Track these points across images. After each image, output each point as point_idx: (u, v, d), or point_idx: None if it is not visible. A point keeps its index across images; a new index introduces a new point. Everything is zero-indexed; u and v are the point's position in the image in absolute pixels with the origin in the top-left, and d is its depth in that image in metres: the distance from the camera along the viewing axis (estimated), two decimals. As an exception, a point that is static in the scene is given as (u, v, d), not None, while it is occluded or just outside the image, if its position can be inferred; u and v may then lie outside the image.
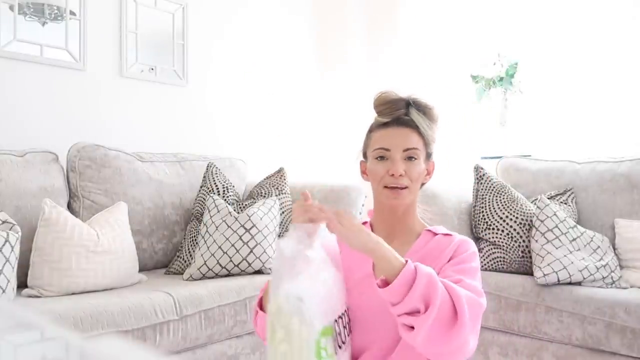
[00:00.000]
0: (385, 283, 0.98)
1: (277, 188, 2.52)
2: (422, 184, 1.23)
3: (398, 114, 1.18)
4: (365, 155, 1.26)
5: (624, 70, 2.78)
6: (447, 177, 3.26)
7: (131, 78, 2.67)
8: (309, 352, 0.85)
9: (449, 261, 1.12)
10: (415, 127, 1.18)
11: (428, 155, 1.21)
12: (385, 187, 1.17)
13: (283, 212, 2.48)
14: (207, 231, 2.18)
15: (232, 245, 2.13)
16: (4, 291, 1.64)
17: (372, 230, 1.26)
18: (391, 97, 1.19)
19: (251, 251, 2.15)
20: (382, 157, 1.17)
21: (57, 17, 2.39)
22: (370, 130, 1.23)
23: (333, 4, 3.62)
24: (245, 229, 2.16)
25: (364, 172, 1.27)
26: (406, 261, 0.99)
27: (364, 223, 1.28)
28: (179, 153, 2.65)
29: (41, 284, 1.81)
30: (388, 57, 3.51)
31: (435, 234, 1.19)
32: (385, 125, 1.19)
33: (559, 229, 2.08)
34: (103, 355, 0.39)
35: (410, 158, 1.16)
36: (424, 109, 1.19)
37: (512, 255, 2.21)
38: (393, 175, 1.15)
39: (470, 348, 1.00)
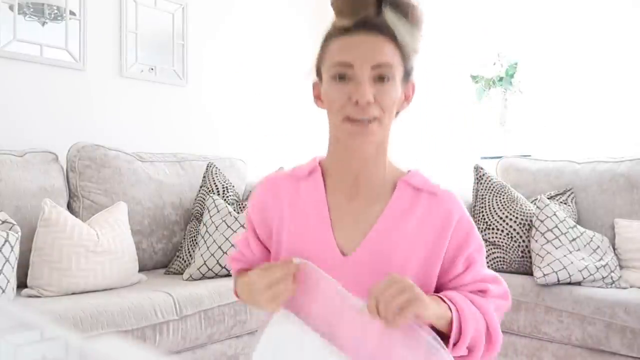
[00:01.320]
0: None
1: (277, 188, 2.52)
2: (397, 113, 0.91)
3: (365, 13, 0.84)
4: (319, 73, 0.93)
5: (624, 70, 2.78)
6: (447, 177, 3.27)
7: (131, 78, 2.67)
8: None
9: (458, 248, 0.92)
10: (389, 34, 0.84)
11: (407, 74, 0.89)
12: (347, 118, 0.85)
13: (283, 212, 2.48)
14: (206, 231, 2.18)
15: (232, 245, 2.13)
16: (3, 291, 1.64)
17: (325, 177, 0.94)
18: None
19: (251, 251, 2.15)
20: (341, 77, 0.85)
21: (57, 17, 2.39)
22: (326, 39, 0.88)
23: (333, 4, 3.62)
24: (245, 229, 2.16)
25: (317, 97, 0.95)
26: (448, 307, 0.85)
27: (314, 167, 0.96)
28: (179, 153, 2.65)
29: (41, 284, 1.81)
30: (388, 57, 3.50)
31: (417, 189, 0.92)
32: (347, 31, 0.85)
33: (558, 229, 2.08)
34: (103, 355, 0.39)
35: (381, 78, 0.84)
36: (403, 8, 0.85)
37: (511, 255, 2.21)
38: (357, 102, 0.83)
39: None
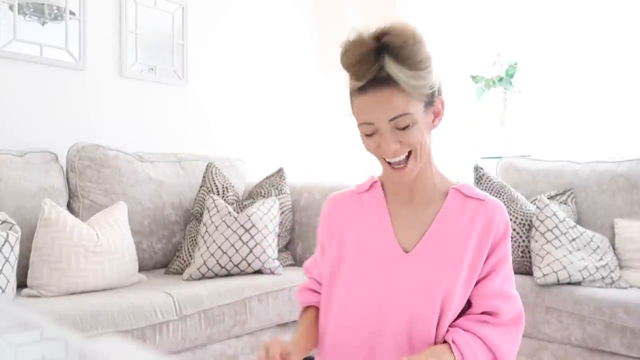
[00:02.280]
0: None
1: (276, 188, 2.52)
2: (434, 127, 1.03)
3: (373, 72, 0.91)
4: None
5: (624, 70, 2.78)
6: (447, 177, 3.26)
7: (131, 78, 2.67)
8: None
9: (491, 249, 1.02)
10: (396, 84, 0.92)
11: (428, 102, 0.97)
12: (384, 160, 0.99)
13: (283, 212, 2.48)
14: (206, 231, 2.18)
15: (232, 245, 2.13)
16: (3, 291, 1.64)
17: (384, 189, 1.10)
18: (360, 53, 0.92)
19: (251, 251, 2.15)
20: (368, 134, 0.97)
21: (57, 17, 2.39)
22: (350, 94, 0.99)
23: (333, 3, 3.62)
24: (244, 229, 2.16)
25: None
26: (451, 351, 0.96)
27: (373, 182, 1.12)
28: (179, 153, 2.65)
29: (41, 284, 1.81)
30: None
31: (467, 196, 1.04)
32: (362, 89, 0.94)
33: (558, 229, 2.08)
34: (102, 355, 0.39)
35: (399, 128, 0.94)
36: (401, 56, 0.91)
37: (511, 255, 2.21)
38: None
39: None
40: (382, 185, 1.10)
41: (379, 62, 0.91)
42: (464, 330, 0.99)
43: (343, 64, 0.95)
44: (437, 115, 1.01)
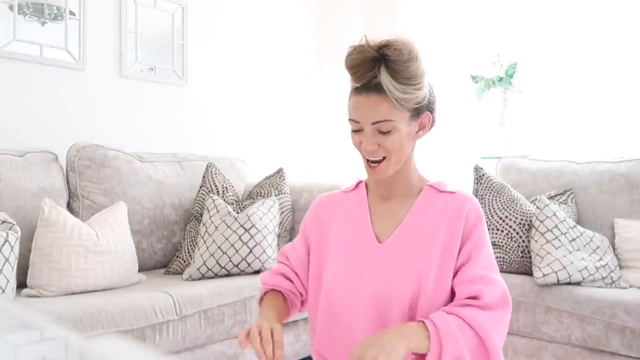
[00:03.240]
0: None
1: (276, 188, 2.52)
2: (418, 137, 1.12)
3: (367, 78, 1.03)
4: None
5: (623, 70, 2.78)
6: (447, 177, 3.27)
7: (131, 78, 2.67)
8: None
9: (463, 239, 1.07)
10: (386, 93, 1.02)
11: (415, 114, 1.06)
12: (364, 157, 1.09)
13: (282, 212, 2.48)
14: (206, 231, 2.18)
15: (232, 245, 2.13)
16: (3, 291, 1.64)
17: (368, 189, 1.20)
18: (360, 59, 1.02)
19: (250, 251, 2.15)
20: (354, 130, 1.08)
21: (57, 17, 2.39)
22: (350, 91, 1.10)
23: (333, 3, 3.62)
24: (244, 229, 2.16)
25: None
26: (426, 329, 0.98)
27: (359, 182, 1.23)
28: (179, 153, 2.65)
29: (40, 284, 1.81)
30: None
31: (440, 191, 1.12)
32: (357, 90, 1.05)
33: (558, 229, 2.08)
34: (102, 355, 0.39)
35: (381, 131, 1.04)
36: (395, 69, 1.01)
37: (511, 255, 2.21)
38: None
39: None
40: (366, 185, 1.21)
41: (375, 70, 1.02)
42: (447, 313, 1.01)
43: (345, 65, 1.05)
44: (422, 127, 1.10)
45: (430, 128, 1.12)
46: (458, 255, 1.07)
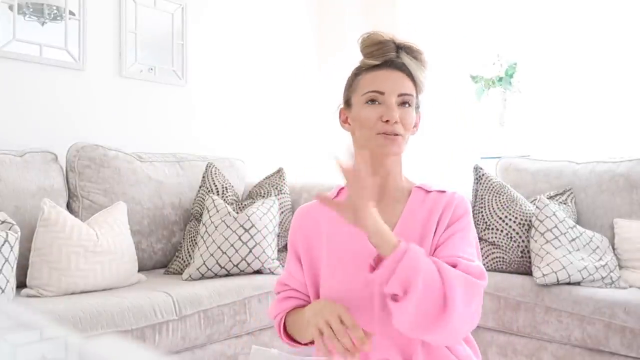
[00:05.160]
0: (375, 266, 0.97)
1: (276, 188, 2.52)
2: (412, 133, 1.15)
3: (390, 56, 1.09)
4: (348, 102, 1.15)
5: (623, 70, 2.78)
6: (447, 177, 3.27)
7: (130, 78, 2.67)
8: None
9: (448, 226, 1.07)
10: (407, 71, 1.09)
11: (417, 106, 1.13)
12: (379, 133, 1.06)
13: (282, 212, 2.48)
14: (206, 231, 2.18)
15: (231, 245, 2.13)
16: (3, 291, 1.64)
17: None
18: (381, 38, 1.09)
19: (250, 251, 2.15)
20: (373, 101, 1.07)
21: (57, 17, 2.39)
22: (357, 74, 1.12)
23: (332, 3, 3.62)
24: (244, 229, 2.16)
25: (344, 122, 1.16)
26: (399, 241, 0.94)
27: (340, 189, 1.19)
28: (178, 153, 2.65)
29: (40, 284, 1.81)
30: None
31: (428, 191, 1.13)
32: (376, 67, 1.09)
33: (558, 229, 2.08)
34: (102, 355, 0.39)
35: (404, 103, 1.07)
36: (415, 54, 1.11)
37: (511, 255, 2.21)
38: (388, 121, 1.05)
39: (467, 329, 0.99)
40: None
41: (396, 52, 1.09)
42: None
43: (363, 43, 1.11)
44: (416, 125, 1.14)
45: (416, 130, 1.15)
46: (440, 238, 1.07)
